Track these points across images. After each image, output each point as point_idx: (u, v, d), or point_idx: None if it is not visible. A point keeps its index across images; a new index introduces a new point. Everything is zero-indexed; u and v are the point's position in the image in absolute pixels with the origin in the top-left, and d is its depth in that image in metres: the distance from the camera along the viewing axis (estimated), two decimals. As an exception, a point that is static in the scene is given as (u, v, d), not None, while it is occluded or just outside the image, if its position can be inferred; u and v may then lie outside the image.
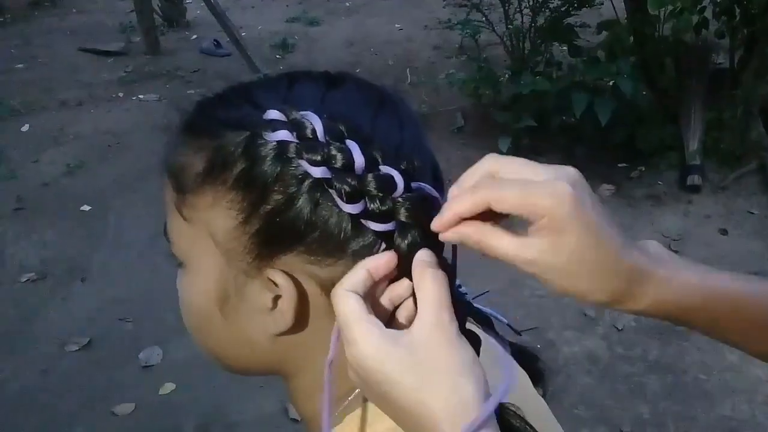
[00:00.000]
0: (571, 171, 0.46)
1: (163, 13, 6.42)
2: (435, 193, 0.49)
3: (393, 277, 0.48)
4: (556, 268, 0.45)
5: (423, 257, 0.47)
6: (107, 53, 5.80)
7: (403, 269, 0.48)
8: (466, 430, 0.42)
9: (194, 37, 6.25)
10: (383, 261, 0.47)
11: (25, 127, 4.49)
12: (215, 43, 5.79)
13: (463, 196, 0.46)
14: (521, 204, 0.44)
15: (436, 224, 0.47)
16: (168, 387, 2.46)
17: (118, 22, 6.47)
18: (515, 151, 3.84)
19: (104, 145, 4.22)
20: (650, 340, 2.63)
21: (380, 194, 0.46)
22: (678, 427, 2.27)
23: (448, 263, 0.49)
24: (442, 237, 0.47)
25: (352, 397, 0.54)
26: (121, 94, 5.01)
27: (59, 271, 3.12)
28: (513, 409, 0.52)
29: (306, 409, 0.59)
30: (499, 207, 0.45)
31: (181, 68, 5.49)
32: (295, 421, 2.26)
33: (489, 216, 0.46)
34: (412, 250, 0.47)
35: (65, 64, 5.60)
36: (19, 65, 5.63)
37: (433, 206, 0.48)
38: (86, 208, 3.58)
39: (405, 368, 0.45)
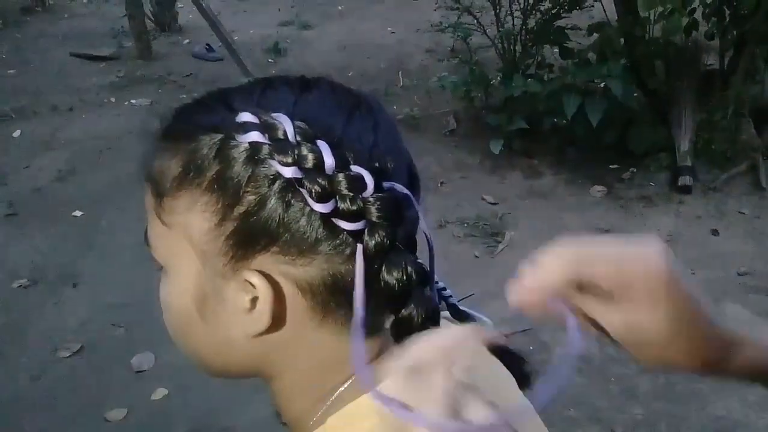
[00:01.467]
0: (656, 241, 0.44)
1: (154, 18, 6.41)
2: (406, 192, 0.49)
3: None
4: (653, 340, 0.44)
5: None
6: (99, 58, 5.79)
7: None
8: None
9: (186, 41, 6.24)
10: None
11: (17, 133, 4.48)
12: (207, 47, 5.78)
13: (551, 264, 0.43)
14: (616, 274, 0.43)
15: (514, 296, 0.44)
16: (160, 392, 2.45)
17: (109, 27, 6.44)
18: (507, 153, 3.85)
19: (96, 151, 4.21)
20: (642, 340, 2.63)
21: (350, 194, 0.47)
22: (671, 428, 2.27)
23: (424, 267, 0.49)
24: (529, 310, 0.44)
25: (334, 397, 0.54)
26: (112, 99, 4.99)
27: (51, 276, 3.11)
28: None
29: (289, 412, 0.59)
30: (590, 278, 0.43)
31: (173, 73, 5.48)
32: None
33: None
34: (380, 249, 0.47)
35: (57, 69, 5.58)
36: (11, 71, 5.61)
37: (405, 206, 0.49)
38: (78, 213, 3.57)
39: None
